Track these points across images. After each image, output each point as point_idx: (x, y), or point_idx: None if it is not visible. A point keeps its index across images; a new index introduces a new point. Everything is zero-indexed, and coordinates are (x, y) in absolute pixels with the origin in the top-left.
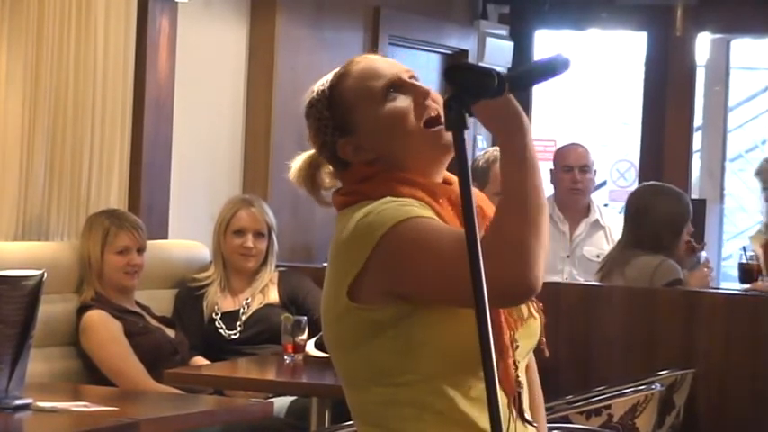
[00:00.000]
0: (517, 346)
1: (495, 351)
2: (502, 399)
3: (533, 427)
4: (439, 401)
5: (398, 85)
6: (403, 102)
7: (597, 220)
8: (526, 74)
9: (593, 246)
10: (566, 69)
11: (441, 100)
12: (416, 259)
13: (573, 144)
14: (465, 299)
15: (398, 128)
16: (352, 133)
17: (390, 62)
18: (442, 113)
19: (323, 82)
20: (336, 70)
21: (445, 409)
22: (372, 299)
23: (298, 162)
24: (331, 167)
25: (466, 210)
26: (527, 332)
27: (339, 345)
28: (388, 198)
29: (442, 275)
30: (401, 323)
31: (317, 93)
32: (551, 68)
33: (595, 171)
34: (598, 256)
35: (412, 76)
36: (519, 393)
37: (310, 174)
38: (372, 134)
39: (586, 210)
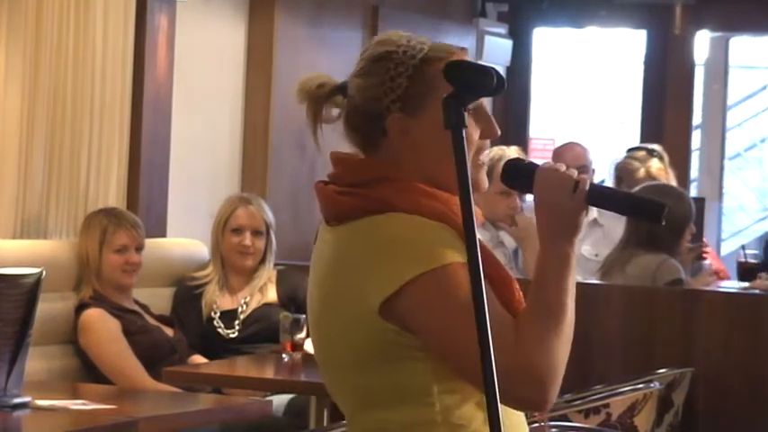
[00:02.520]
0: None
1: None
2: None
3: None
4: (467, 422)
5: (479, 109)
6: (472, 128)
7: (595, 219)
8: (613, 200)
9: (590, 245)
10: (652, 217)
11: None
12: (444, 316)
13: (570, 143)
14: (470, 374)
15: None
16: (412, 115)
17: None
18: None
19: (416, 43)
20: (441, 45)
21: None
22: (400, 323)
23: (315, 79)
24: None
25: (465, 210)
26: None
27: (359, 359)
28: (420, 219)
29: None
30: (421, 352)
31: (407, 52)
32: (636, 209)
33: (594, 170)
34: (597, 255)
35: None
36: None
37: (322, 97)
38: (429, 133)
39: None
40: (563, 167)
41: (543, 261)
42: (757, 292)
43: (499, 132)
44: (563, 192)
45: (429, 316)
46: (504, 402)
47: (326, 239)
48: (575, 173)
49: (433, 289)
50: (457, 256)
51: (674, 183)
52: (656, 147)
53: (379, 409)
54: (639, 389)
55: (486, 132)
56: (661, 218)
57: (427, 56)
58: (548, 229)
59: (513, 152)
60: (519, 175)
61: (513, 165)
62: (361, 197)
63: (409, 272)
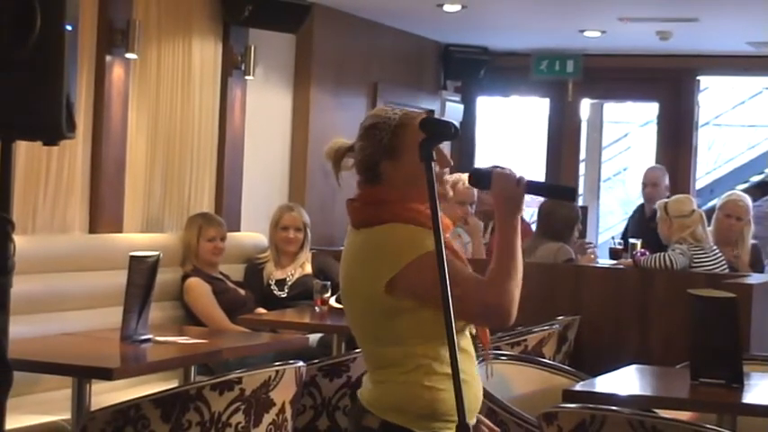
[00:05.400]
0: None
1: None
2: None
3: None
4: (431, 358)
5: (438, 150)
6: (436, 167)
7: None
8: (542, 189)
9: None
10: (570, 197)
11: (450, 178)
12: (433, 279)
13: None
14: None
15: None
16: (397, 160)
17: None
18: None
19: (392, 114)
20: (410, 113)
21: (435, 362)
22: (401, 294)
23: (335, 145)
24: (359, 173)
25: (435, 226)
26: None
27: (372, 315)
28: (407, 226)
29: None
30: (415, 310)
31: (384, 120)
32: (557, 193)
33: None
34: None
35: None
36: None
37: (340, 156)
38: (408, 172)
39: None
40: (509, 170)
41: (500, 232)
42: (622, 267)
43: (452, 163)
44: (510, 184)
45: (426, 280)
46: (481, 324)
47: (352, 239)
48: (517, 172)
49: (425, 265)
50: (431, 247)
51: None
52: None
53: (381, 346)
54: (545, 329)
55: (442, 163)
56: (575, 197)
57: (400, 122)
58: (503, 211)
59: (465, 177)
60: (481, 178)
61: (475, 171)
62: (373, 213)
63: (408, 257)
